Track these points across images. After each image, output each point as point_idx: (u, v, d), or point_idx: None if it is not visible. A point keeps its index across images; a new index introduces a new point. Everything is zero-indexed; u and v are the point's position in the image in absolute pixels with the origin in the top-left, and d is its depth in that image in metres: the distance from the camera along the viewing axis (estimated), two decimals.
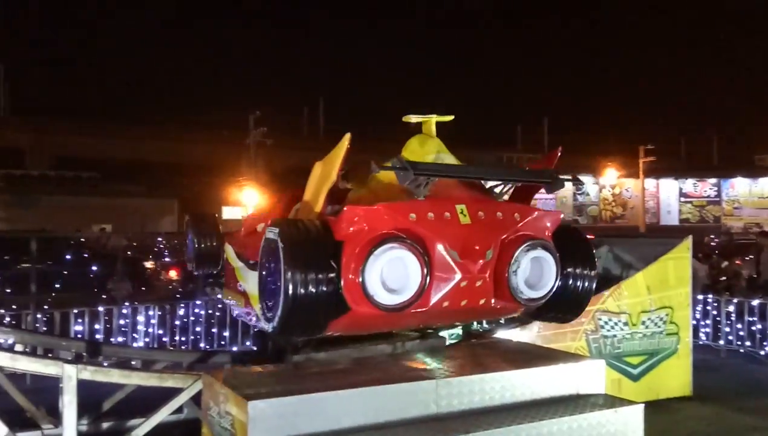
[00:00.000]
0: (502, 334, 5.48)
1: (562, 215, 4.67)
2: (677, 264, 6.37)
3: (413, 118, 4.74)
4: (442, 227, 3.96)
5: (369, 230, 3.82)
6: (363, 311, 3.78)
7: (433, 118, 4.74)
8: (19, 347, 5.74)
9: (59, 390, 4.61)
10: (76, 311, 7.91)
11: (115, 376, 4.33)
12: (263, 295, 4.00)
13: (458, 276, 3.95)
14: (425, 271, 3.82)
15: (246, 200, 27.22)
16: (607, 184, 31.78)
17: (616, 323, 5.94)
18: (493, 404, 3.90)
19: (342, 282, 3.73)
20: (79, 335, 7.65)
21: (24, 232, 15.90)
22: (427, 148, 4.52)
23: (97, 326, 7.96)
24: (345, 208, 3.84)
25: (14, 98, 25.94)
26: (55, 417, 5.22)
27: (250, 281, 4.60)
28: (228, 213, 29.23)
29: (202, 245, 5.50)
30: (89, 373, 4.22)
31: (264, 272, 3.99)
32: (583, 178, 31.32)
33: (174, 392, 4.47)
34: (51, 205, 28.37)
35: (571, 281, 4.58)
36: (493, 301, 4.12)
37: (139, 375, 4.43)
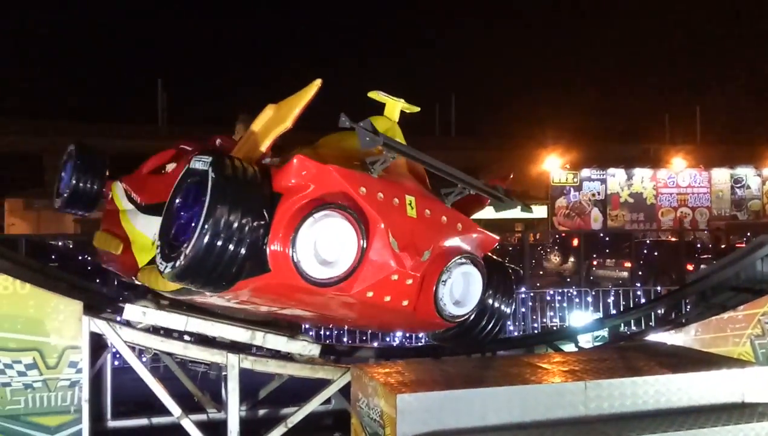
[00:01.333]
0: (653, 337, 5.19)
1: (498, 239, 4.34)
2: None
3: (380, 96, 4.33)
4: (389, 211, 3.62)
5: (314, 189, 3.42)
6: (282, 277, 3.37)
7: (399, 104, 4.37)
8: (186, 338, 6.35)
9: (222, 378, 5.04)
10: None
11: (272, 366, 4.65)
12: (166, 232, 3.47)
13: (392, 267, 3.61)
14: (362, 250, 3.44)
15: None
16: None
17: None
18: (646, 409, 3.72)
19: (269, 238, 3.30)
20: None
21: None
22: (385, 131, 4.00)
23: None
24: (295, 158, 3.43)
25: (169, 109, 28.63)
26: (218, 402, 5.71)
27: (139, 224, 4.28)
28: None
29: (81, 183, 4.88)
30: (249, 362, 4.58)
31: (176, 206, 3.50)
32: (742, 169, 28.39)
33: (324, 384, 4.72)
34: None
35: (488, 310, 4.35)
36: (414, 308, 3.82)
37: (294, 366, 4.71)
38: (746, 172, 28.19)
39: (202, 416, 5.53)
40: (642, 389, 3.74)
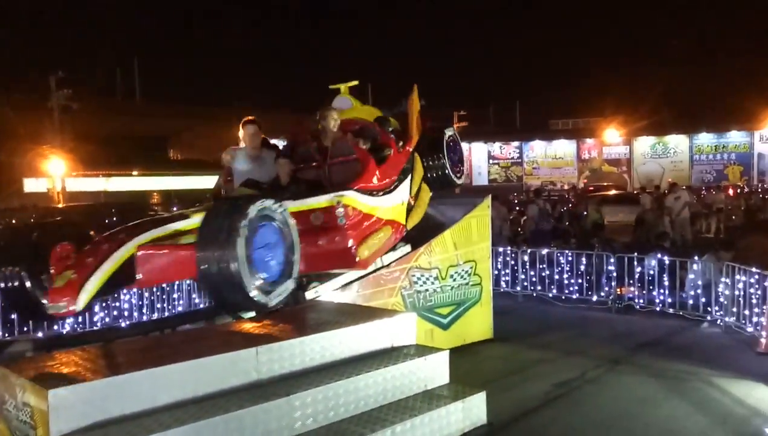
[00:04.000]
0: (325, 297, 5.63)
1: None
2: (479, 221, 6.97)
3: (345, 86, 6.53)
4: None
5: None
6: None
7: (352, 83, 6.56)
8: None
9: None
10: None
11: None
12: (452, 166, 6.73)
13: None
14: None
15: (53, 170, 24.41)
16: None
17: (427, 279, 6.37)
18: (313, 365, 4.03)
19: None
20: None
21: None
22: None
23: None
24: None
25: None
26: None
27: (388, 203, 5.68)
28: (31, 185, 26.01)
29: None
30: None
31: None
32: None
33: None
34: None
35: None
36: None
37: None
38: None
39: None
40: (309, 347, 4.04)
